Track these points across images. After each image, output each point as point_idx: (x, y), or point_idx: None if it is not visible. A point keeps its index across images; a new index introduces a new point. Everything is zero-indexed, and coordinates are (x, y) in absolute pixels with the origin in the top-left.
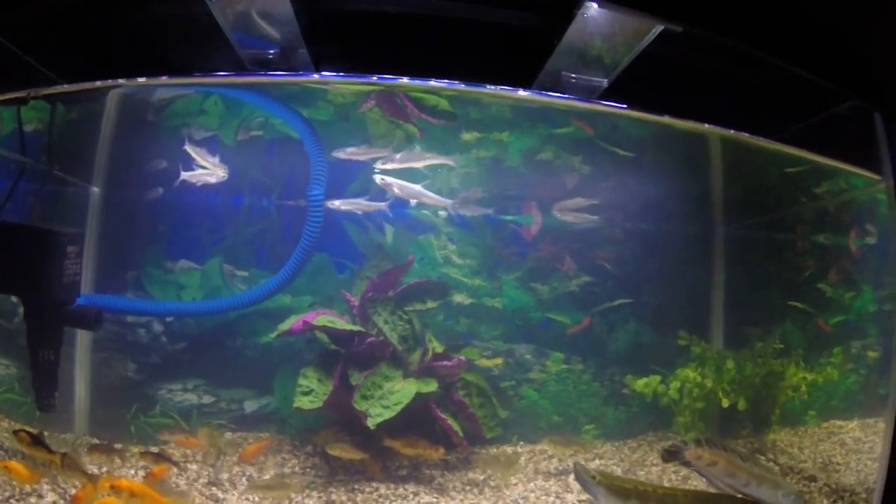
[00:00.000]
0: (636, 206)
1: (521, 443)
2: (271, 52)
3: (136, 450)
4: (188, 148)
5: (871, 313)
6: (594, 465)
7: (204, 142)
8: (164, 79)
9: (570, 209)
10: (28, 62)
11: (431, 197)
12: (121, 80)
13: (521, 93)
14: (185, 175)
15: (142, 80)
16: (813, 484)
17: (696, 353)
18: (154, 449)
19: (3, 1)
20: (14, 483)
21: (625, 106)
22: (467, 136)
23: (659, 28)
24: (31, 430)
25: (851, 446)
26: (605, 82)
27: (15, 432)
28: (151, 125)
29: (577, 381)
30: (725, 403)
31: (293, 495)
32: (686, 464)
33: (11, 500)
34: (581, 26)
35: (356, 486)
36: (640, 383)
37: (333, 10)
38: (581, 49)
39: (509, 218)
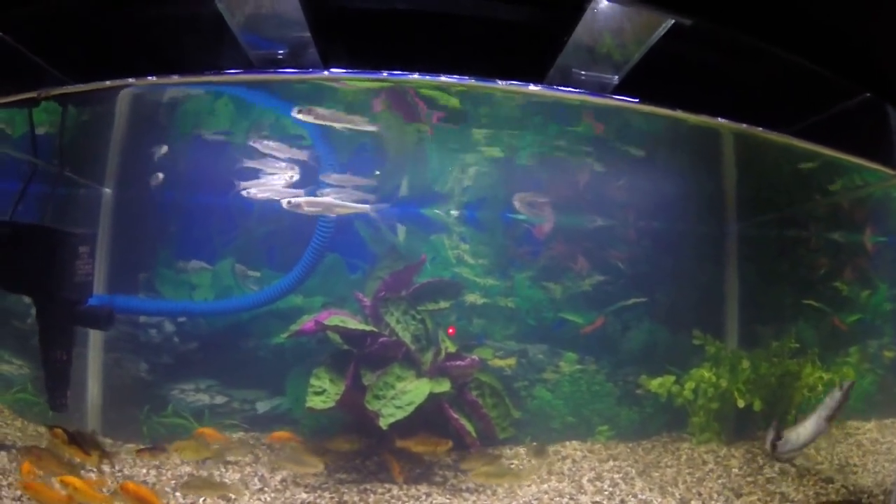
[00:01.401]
0: (649, 204)
1: (535, 444)
2: (280, 52)
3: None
4: (253, 162)
5: (888, 311)
6: (608, 466)
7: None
8: (174, 77)
9: (528, 202)
10: (37, 63)
11: (346, 206)
12: (130, 80)
13: (532, 87)
14: (250, 185)
15: (151, 78)
16: (830, 486)
17: (711, 352)
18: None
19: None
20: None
21: (636, 100)
22: (478, 135)
23: (669, 22)
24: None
25: (868, 447)
26: (615, 79)
27: (50, 428)
28: (162, 127)
29: (590, 381)
30: (741, 404)
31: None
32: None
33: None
34: (591, 22)
35: (368, 487)
36: (655, 383)
37: (342, 9)
38: (591, 45)
39: (521, 217)
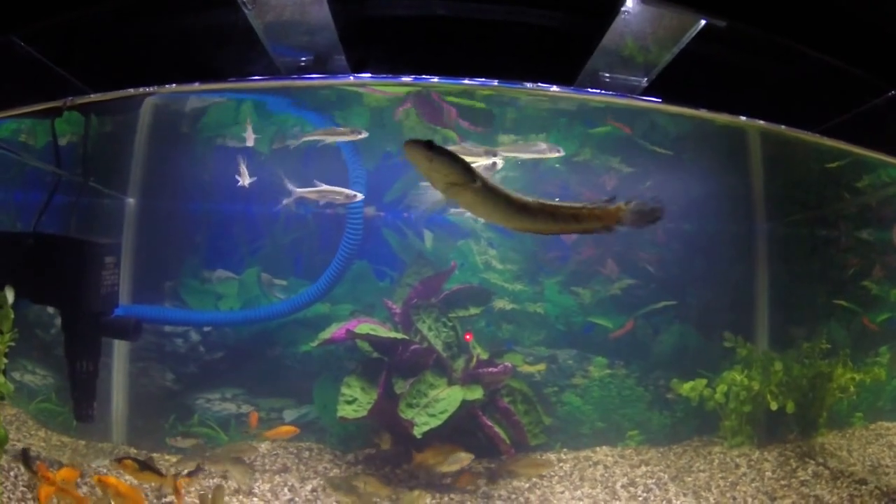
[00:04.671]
0: (677, 206)
1: (565, 450)
2: (308, 59)
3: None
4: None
5: None
6: (640, 471)
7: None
8: (196, 85)
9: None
10: (60, 74)
11: (338, 190)
12: (153, 88)
13: (555, 88)
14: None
15: (172, 86)
16: (864, 487)
17: (742, 355)
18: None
19: (36, 11)
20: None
21: (659, 100)
22: (505, 139)
23: (701, 23)
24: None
25: None
26: (644, 81)
27: (118, 460)
28: (185, 136)
29: (620, 385)
30: (774, 406)
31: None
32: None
33: None
34: (622, 25)
35: (400, 496)
36: (687, 387)
37: (373, 15)
38: (621, 49)
39: None
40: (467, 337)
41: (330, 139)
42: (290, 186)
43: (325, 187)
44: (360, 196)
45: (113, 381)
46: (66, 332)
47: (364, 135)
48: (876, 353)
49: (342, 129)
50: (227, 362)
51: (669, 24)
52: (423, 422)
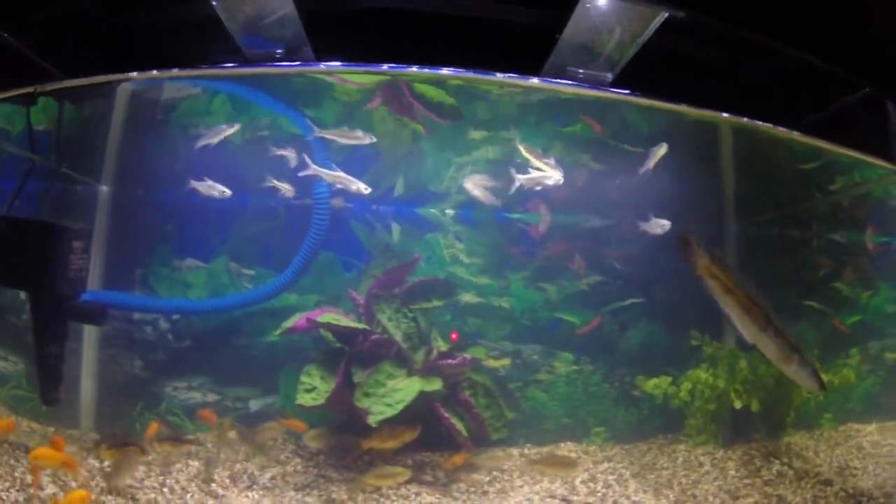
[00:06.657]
0: (647, 203)
1: (528, 445)
2: (278, 52)
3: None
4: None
5: (890, 313)
6: (602, 468)
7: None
8: (175, 71)
9: (481, 185)
10: (36, 62)
11: (351, 180)
12: (126, 75)
13: (533, 80)
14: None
15: (140, 74)
16: (829, 488)
17: (708, 353)
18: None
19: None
20: (15, 475)
21: (628, 92)
22: (475, 135)
23: (663, 15)
24: None
25: (869, 450)
26: (609, 76)
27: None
28: (160, 125)
29: (586, 382)
30: (738, 405)
31: None
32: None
33: (11, 490)
34: (583, 17)
35: (357, 485)
36: (651, 384)
37: (338, 8)
38: (584, 42)
39: (517, 216)
40: (453, 336)
41: (343, 140)
42: (309, 161)
43: (341, 174)
44: (369, 190)
45: (82, 367)
46: (33, 315)
47: (373, 140)
48: (846, 355)
49: (358, 133)
50: (195, 351)
51: (632, 15)
52: (378, 411)
